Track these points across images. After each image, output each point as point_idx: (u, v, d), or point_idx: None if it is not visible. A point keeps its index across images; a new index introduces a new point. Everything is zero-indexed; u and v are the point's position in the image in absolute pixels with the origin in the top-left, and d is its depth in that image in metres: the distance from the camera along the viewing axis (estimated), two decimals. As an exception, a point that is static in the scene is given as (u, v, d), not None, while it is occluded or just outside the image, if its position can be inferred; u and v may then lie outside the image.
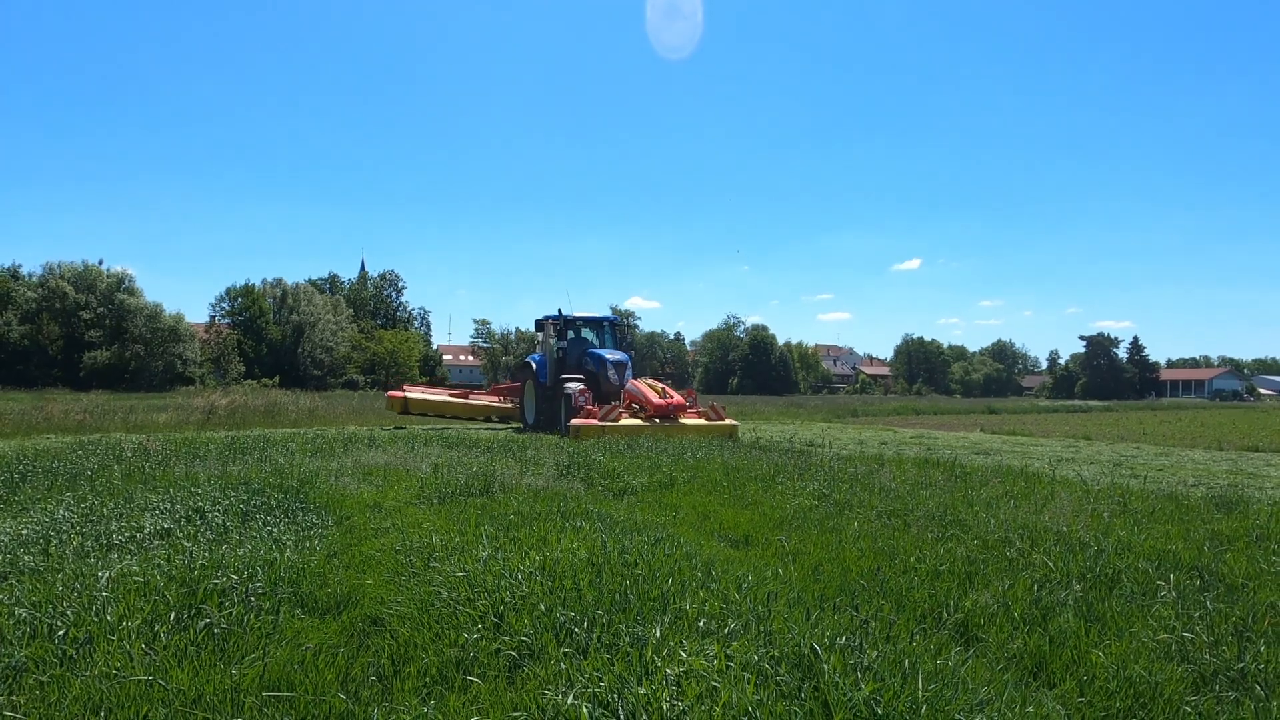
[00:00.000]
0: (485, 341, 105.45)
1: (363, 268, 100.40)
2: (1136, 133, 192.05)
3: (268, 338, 73.22)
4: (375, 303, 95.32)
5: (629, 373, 20.65)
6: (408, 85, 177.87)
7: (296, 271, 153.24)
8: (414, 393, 24.96)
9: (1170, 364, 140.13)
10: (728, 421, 19.02)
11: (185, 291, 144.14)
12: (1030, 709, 2.84)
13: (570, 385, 19.08)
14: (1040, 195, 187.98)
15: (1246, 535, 6.54)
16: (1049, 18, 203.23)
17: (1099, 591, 4.86)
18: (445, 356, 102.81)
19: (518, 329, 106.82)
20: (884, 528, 6.62)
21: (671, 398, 18.70)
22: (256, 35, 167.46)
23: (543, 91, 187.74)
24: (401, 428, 21.77)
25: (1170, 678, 3.59)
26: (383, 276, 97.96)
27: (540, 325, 23.00)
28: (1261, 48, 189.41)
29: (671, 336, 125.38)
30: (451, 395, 25.67)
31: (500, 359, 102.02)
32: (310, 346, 74.51)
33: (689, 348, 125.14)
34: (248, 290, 75.07)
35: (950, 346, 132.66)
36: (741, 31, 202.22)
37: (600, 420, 17.49)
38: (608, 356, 20.86)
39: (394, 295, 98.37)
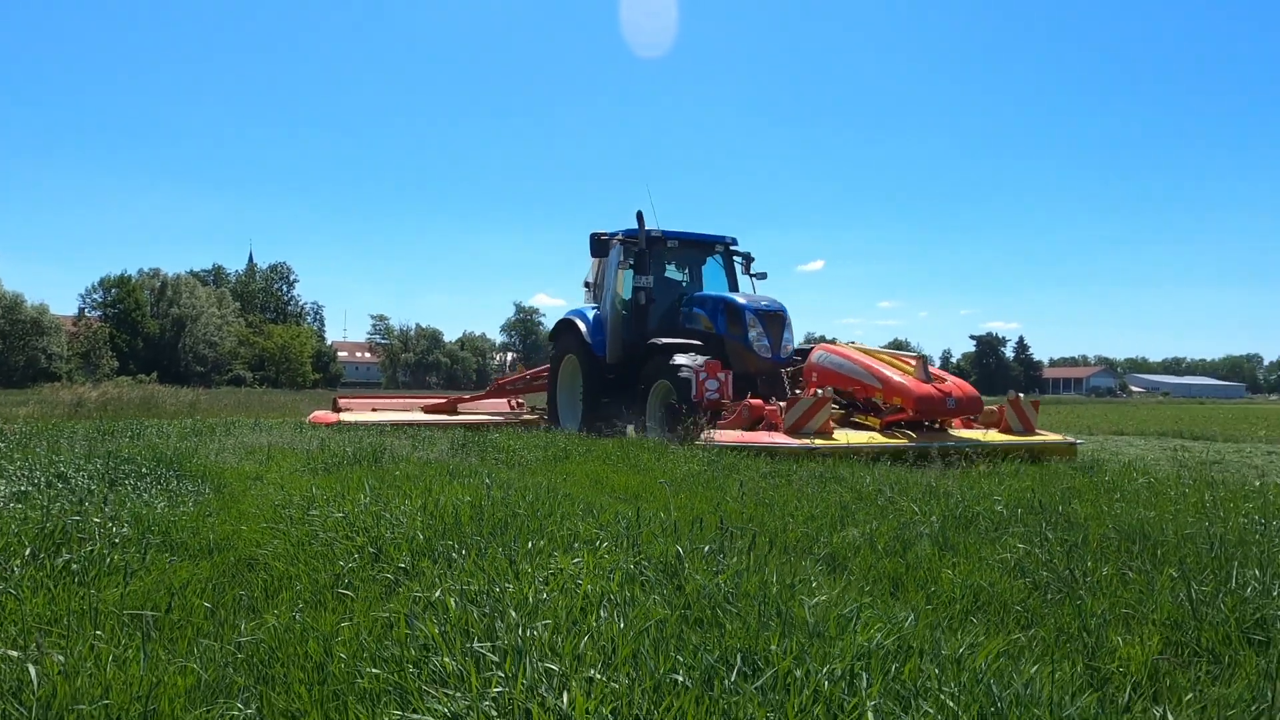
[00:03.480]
0: (383, 338, 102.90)
1: (251, 259, 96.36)
2: (1030, 140, 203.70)
3: (145, 332, 69.34)
4: (264, 296, 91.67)
5: (790, 335, 12.25)
6: (303, 57, 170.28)
7: (178, 262, 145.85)
8: (359, 414, 15.21)
9: (1052, 363, 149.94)
10: (1053, 437, 10.72)
11: (53, 282, 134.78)
12: (858, 597, 3.11)
13: (683, 360, 10.92)
14: (941, 199, 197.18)
15: (1095, 488, 7.19)
16: (943, 19, 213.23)
17: (957, 529, 5.28)
18: (340, 353, 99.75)
19: (418, 325, 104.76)
20: (768, 485, 6.95)
21: (943, 380, 10.12)
22: None
23: (452, 75, 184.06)
24: None
25: (1008, 588, 3.97)
26: (273, 269, 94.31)
27: (600, 246, 13.38)
28: (1141, 56, 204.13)
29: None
30: (429, 409, 16.31)
31: (399, 356, 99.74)
32: (192, 341, 71.02)
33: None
34: (123, 281, 70.84)
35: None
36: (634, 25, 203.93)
37: (791, 430, 9.41)
38: (751, 304, 12.02)
39: (285, 289, 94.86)
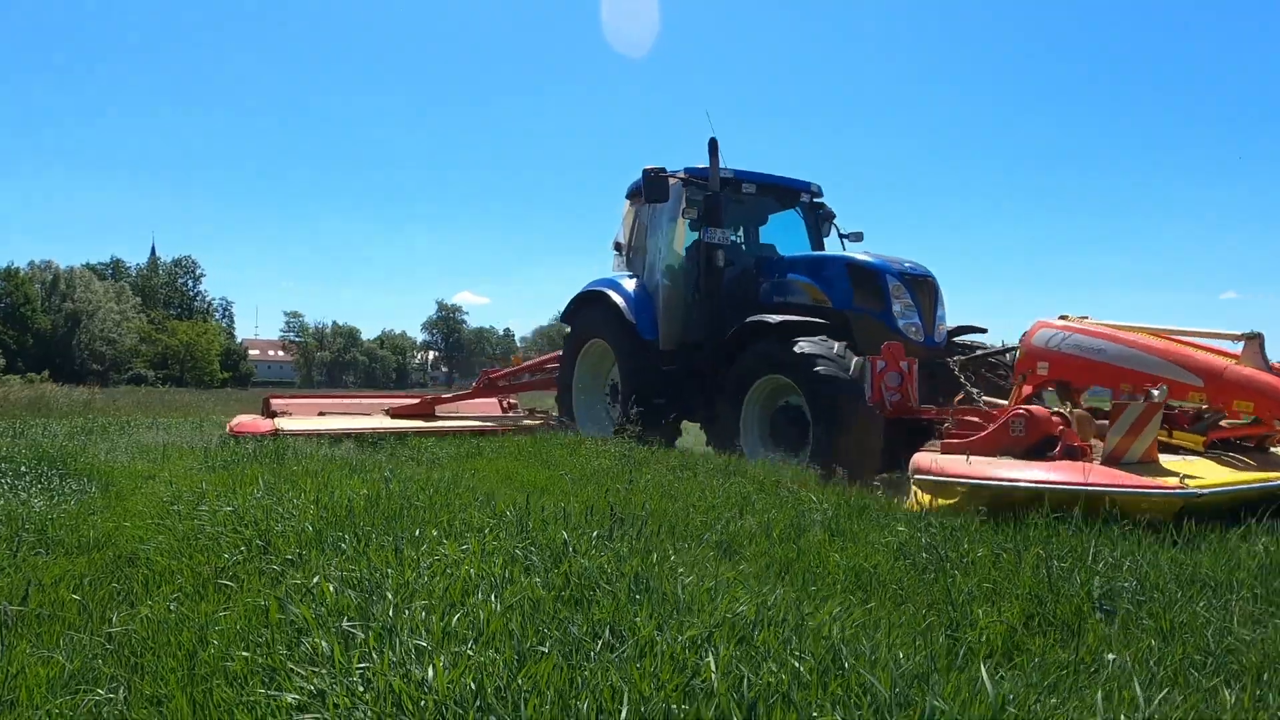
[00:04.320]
0: (297, 336, 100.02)
1: (153, 252, 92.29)
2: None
3: (35, 328, 65.70)
4: (168, 291, 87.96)
5: (943, 310, 8.94)
6: (209, 31, 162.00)
7: (72, 254, 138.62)
8: (302, 420, 11.33)
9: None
10: None
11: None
12: (741, 578, 3.26)
13: (810, 346, 7.62)
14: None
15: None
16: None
17: (850, 516, 5.53)
18: (252, 351, 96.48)
19: (334, 322, 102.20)
20: (675, 479, 7.11)
21: None
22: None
23: (367, 57, 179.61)
24: None
25: (890, 568, 4.21)
26: (177, 263, 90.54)
27: (656, 187, 9.41)
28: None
29: (501, 333, 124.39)
30: (397, 413, 12.45)
31: (315, 354, 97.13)
32: (88, 338, 67.65)
33: (519, 344, 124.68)
34: (10, 274, 66.91)
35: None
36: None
37: (1112, 458, 5.53)
38: (890, 264, 8.62)
39: (190, 283, 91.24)
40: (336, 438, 9.90)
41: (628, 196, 10.93)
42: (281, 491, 4.85)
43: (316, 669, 2.07)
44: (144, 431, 11.71)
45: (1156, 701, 1.93)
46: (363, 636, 2.15)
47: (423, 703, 1.86)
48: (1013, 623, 3.38)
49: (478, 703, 1.83)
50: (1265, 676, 2.70)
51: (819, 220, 10.82)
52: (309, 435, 9.89)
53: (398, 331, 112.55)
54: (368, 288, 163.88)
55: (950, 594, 3.65)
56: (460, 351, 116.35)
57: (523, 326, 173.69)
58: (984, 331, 8.94)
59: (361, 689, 1.95)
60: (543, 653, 2.07)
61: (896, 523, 5.11)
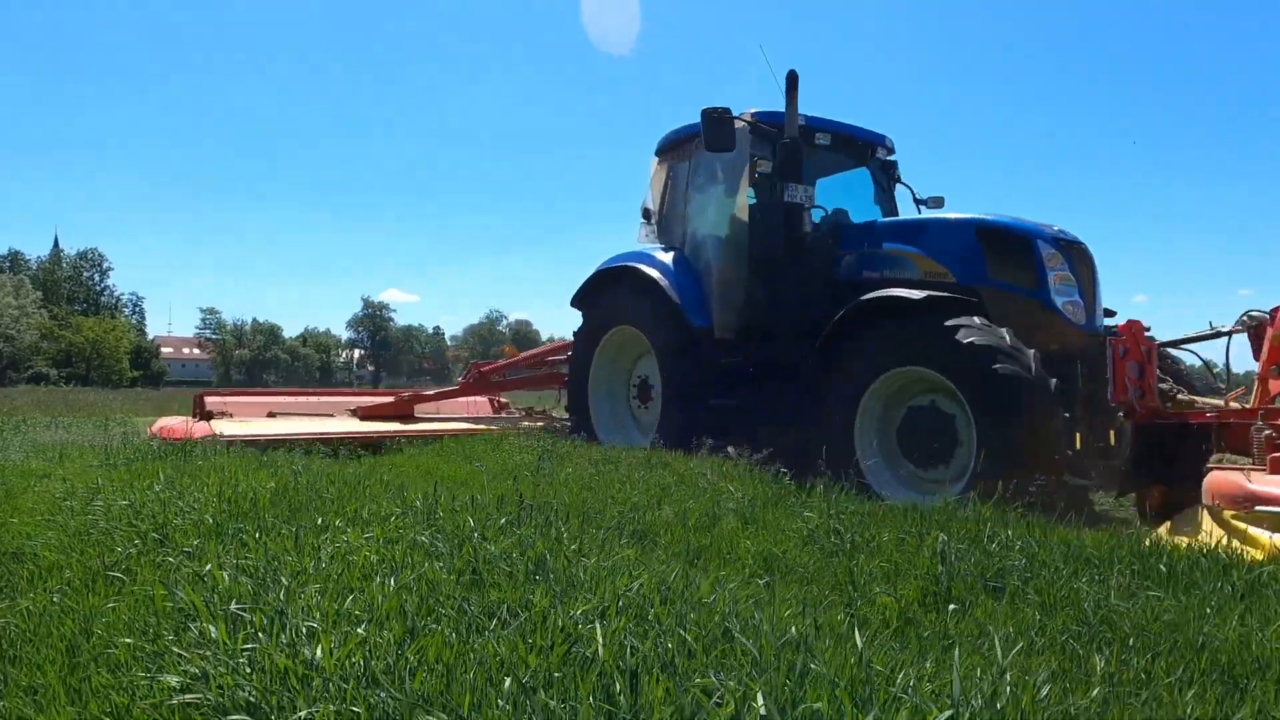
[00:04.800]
0: (214, 333, 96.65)
1: (56, 244, 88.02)
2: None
3: (-76, 324, 61.99)
4: (73, 286, 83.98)
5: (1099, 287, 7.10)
6: (117, 9, 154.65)
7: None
8: (247, 423, 9.60)
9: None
10: None
11: None
12: (645, 556, 3.32)
13: (978, 335, 5.87)
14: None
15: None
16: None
17: (765, 506, 5.67)
18: (165, 349, 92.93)
19: (254, 319, 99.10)
20: (597, 472, 7.17)
21: None
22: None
23: (284, 43, 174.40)
24: None
25: (799, 553, 4.35)
26: (82, 256, 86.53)
27: (719, 131, 7.67)
28: (949, 62, 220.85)
29: (430, 331, 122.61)
30: (366, 413, 10.78)
31: (233, 353, 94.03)
32: (-17, 335, 64.12)
33: (449, 343, 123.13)
34: (-105, 265, 63.01)
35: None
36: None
37: None
38: (1040, 229, 6.85)
39: (97, 278, 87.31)
40: (294, 445, 8.21)
41: (657, 153, 9.26)
42: (183, 486, 4.73)
43: (202, 651, 2.05)
44: (41, 431, 11.21)
45: (1012, 654, 2.07)
46: (251, 619, 2.14)
47: (311, 681, 1.87)
48: (909, 599, 3.54)
49: (365, 678, 1.85)
50: (1132, 642, 2.90)
51: (891, 180, 9.14)
52: (257, 442, 8.09)
53: (322, 329, 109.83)
54: (290, 284, 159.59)
55: (853, 575, 3.80)
56: (387, 350, 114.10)
57: (453, 325, 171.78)
58: (1113, 315, 7.32)
59: (248, 669, 1.95)
60: (435, 630, 2.10)
61: (808, 510, 5.27)
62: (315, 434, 9.44)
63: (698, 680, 1.82)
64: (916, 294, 6.47)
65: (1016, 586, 3.59)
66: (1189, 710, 2.25)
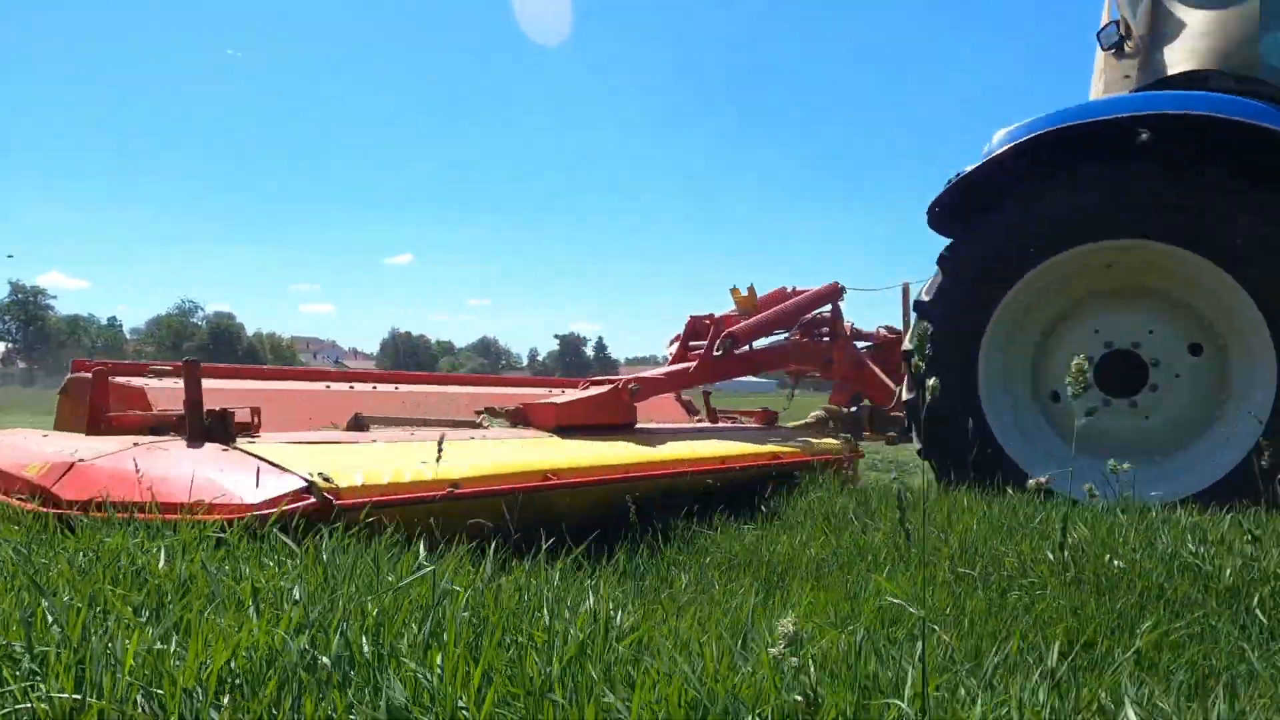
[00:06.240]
0: None
1: None
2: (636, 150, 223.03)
3: None
4: None
5: None
6: None
7: None
8: (390, 436, 4.37)
9: (628, 361, 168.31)
10: None
11: None
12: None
13: None
14: (534, 201, 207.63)
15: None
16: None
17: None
18: None
19: None
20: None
21: None
22: None
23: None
24: None
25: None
26: None
27: None
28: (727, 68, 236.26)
29: (104, 322, 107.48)
30: (573, 415, 5.28)
31: None
32: None
33: (129, 337, 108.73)
34: None
35: (439, 342, 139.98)
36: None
37: None
38: None
39: None
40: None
41: None
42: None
43: None
44: None
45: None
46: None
47: None
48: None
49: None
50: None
51: None
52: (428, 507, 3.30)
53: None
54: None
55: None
56: (45, 343, 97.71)
57: (134, 316, 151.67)
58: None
59: None
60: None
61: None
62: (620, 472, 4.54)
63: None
64: None
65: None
66: None
